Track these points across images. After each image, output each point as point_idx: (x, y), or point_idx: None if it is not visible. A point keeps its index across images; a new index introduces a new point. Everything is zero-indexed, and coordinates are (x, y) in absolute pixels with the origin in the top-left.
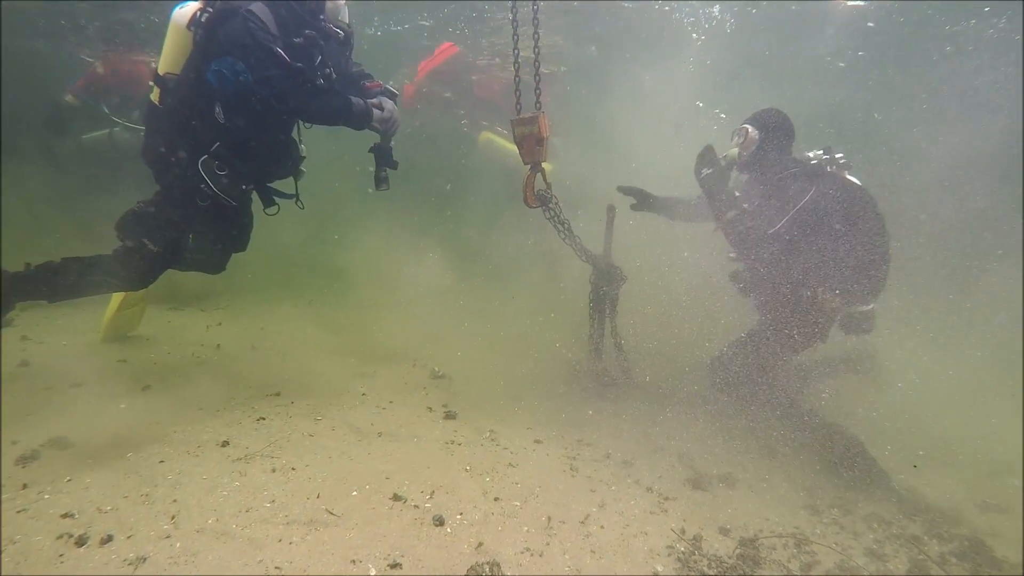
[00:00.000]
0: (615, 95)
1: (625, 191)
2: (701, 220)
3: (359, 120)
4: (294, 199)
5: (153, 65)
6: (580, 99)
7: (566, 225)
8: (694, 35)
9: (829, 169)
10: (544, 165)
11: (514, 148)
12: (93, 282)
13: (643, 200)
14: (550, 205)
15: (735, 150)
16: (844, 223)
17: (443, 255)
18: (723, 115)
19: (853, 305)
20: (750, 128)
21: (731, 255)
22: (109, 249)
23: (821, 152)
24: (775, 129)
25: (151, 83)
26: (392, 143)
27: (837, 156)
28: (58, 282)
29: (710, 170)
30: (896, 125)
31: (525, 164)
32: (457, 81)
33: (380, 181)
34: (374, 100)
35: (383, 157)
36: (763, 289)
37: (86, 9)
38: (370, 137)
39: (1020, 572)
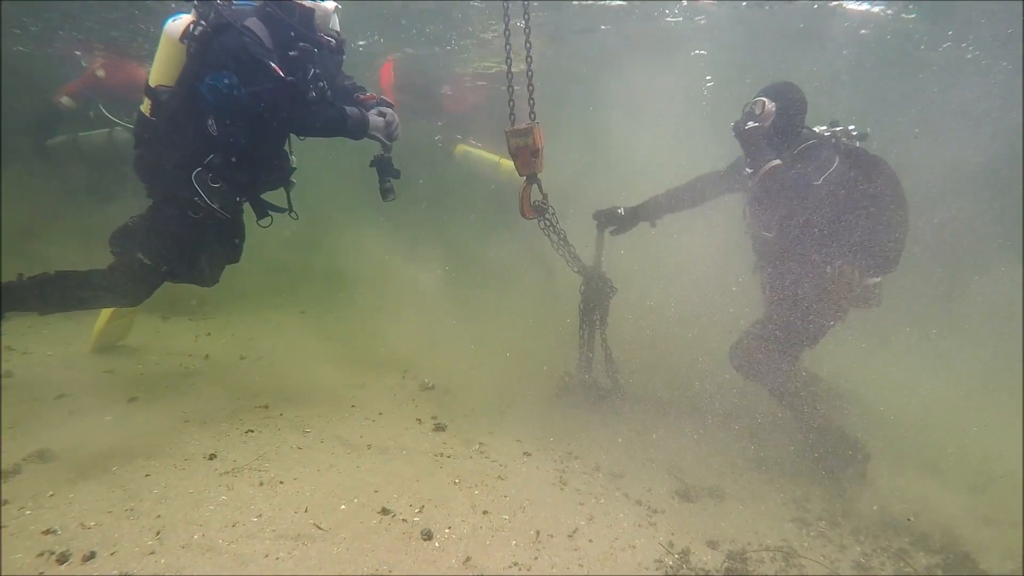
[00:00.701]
0: (608, 99)
1: (598, 218)
2: (712, 198)
3: (356, 130)
4: (287, 211)
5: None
6: (573, 103)
7: (561, 235)
8: (695, 52)
9: (844, 141)
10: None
11: (490, 157)
12: (87, 297)
13: (617, 220)
14: (546, 216)
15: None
16: (869, 195)
17: (433, 266)
18: (710, 81)
19: (869, 277)
20: (766, 100)
21: (751, 225)
22: (106, 256)
23: (826, 127)
24: (791, 101)
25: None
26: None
27: (850, 128)
28: (52, 295)
29: (756, 124)
30: (885, 139)
31: (521, 176)
32: (417, 89)
33: (386, 192)
34: (374, 111)
35: (385, 168)
36: (781, 261)
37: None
38: (369, 151)
39: None
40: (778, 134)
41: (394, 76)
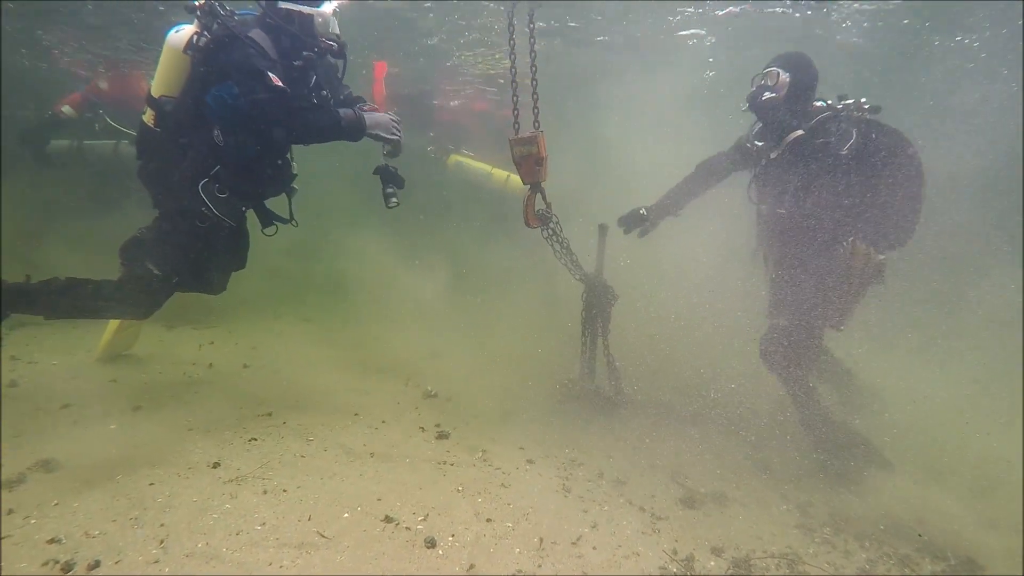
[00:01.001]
0: (608, 106)
1: (624, 224)
2: (722, 178)
3: (352, 131)
4: (290, 222)
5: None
6: (573, 111)
7: (565, 244)
8: (691, 42)
9: (857, 115)
10: (515, 177)
11: (483, 166)
12: (99, 307)
13: (642, 222)
14: (550, 225)
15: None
16: (886, 167)
17: (435, 274)
18: (712, 71)
19: (880, 253)
20: (780, 71)
21: (759, 202)
22: (110, 265)
23: (831, 100)
24: (804, 71)
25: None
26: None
27: (862, 101)
28: (60, 301)
29: (772, 94)
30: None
31: (524, 184)
32: (408, 99)
33: (388, 198)
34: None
35: (388, 177)
36: (793, 239)
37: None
38: (372, 159)
39: None
40: (792, 105)
41: (386, 87)
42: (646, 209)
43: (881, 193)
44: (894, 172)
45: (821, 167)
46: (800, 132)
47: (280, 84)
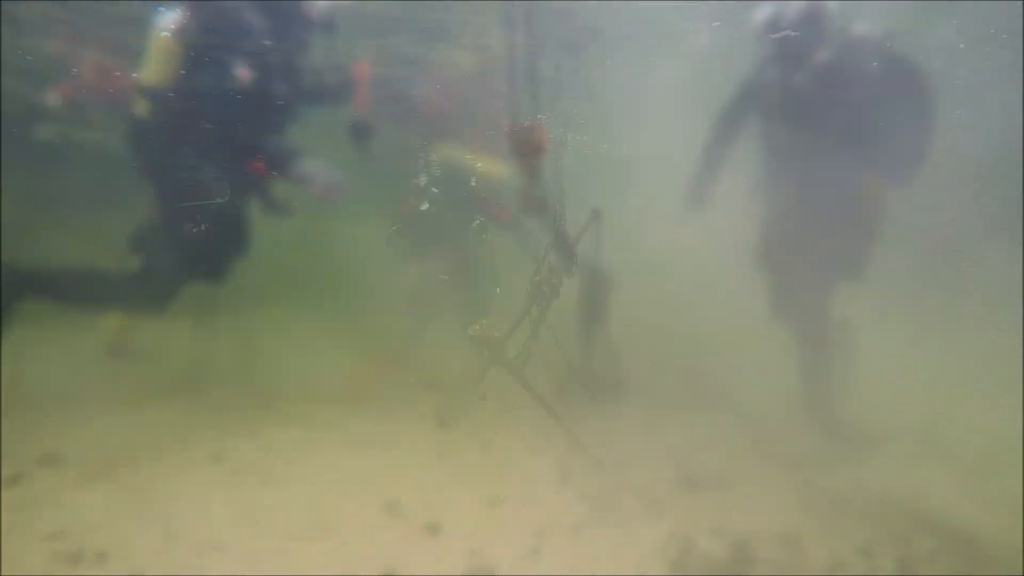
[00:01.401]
0: (604, 98)
1: (694, 203)
2: (744, 122)
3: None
4: (285, 207)
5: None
6: (569, 102)
7: (560, 232)
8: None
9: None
10: (495, 168)
11: (466, 157)
12: (110, 300)
13: (704, 195)
14: (547, 214)
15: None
16: (903, 97)
17: (435, 263)
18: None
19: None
20: None
21: (770, 135)
22: (106, 257)
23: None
24: None
25: (136, 96)
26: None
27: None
28: (74, 291)
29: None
30: None
31: (523, 174)
32: (392, 93)
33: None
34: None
35: (360, 132)
36: (808, 169)
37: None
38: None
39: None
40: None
41: (370, 77)
42: (694, 183)
43: (895, 122)
44: (909, 99)
45: (852, 85)
46: (828, 52)
47: (243, 80)
